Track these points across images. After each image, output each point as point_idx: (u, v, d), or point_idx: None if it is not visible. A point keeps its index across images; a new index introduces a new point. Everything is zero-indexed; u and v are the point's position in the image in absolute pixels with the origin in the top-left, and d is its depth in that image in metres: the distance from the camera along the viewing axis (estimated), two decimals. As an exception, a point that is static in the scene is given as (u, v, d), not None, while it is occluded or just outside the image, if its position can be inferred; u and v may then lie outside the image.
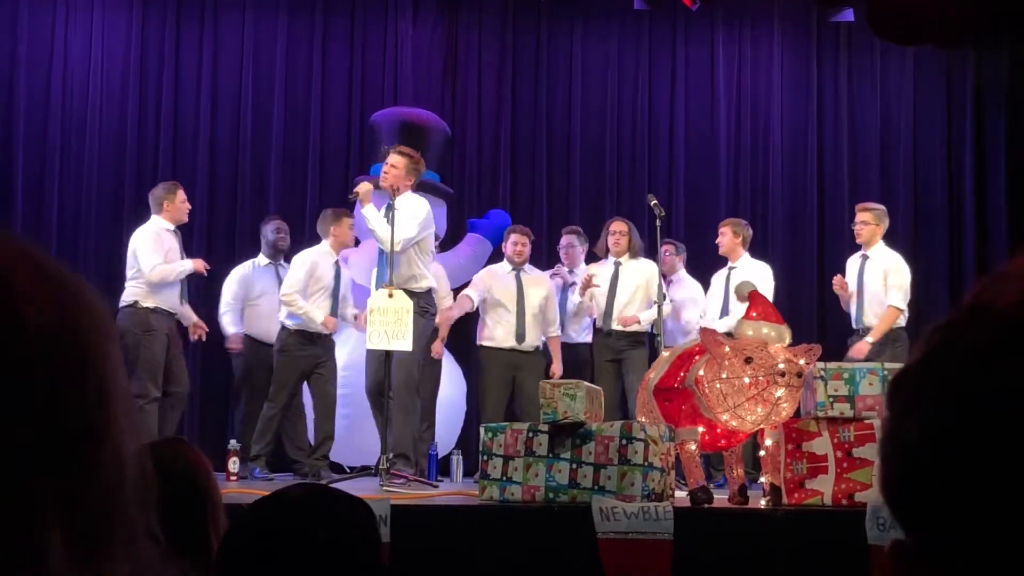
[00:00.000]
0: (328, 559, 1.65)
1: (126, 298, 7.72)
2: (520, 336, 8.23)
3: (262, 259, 8.70)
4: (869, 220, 8.22)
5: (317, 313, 7.97)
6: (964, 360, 0.73)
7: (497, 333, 8.25)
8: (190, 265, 7.86)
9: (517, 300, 8.26)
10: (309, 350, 8.08)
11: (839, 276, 8.38)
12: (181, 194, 7.99)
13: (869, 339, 7.91)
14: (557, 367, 8.32)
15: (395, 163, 7.26)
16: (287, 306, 8.02)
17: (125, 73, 10.02)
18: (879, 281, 8.08)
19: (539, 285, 8.41)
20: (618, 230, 8.55)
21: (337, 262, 8.26)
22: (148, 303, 7.66)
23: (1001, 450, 0.69)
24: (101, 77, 9.96)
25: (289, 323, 8.05)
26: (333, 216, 8.31)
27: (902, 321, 8.03)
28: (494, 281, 8.35)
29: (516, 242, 8.45)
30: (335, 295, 8.17)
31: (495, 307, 8.30)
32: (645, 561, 4.84)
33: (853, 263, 8.35)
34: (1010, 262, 0.78)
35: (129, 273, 7.78)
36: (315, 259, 8.13)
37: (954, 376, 0.73)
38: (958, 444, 0.71)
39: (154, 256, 7.67)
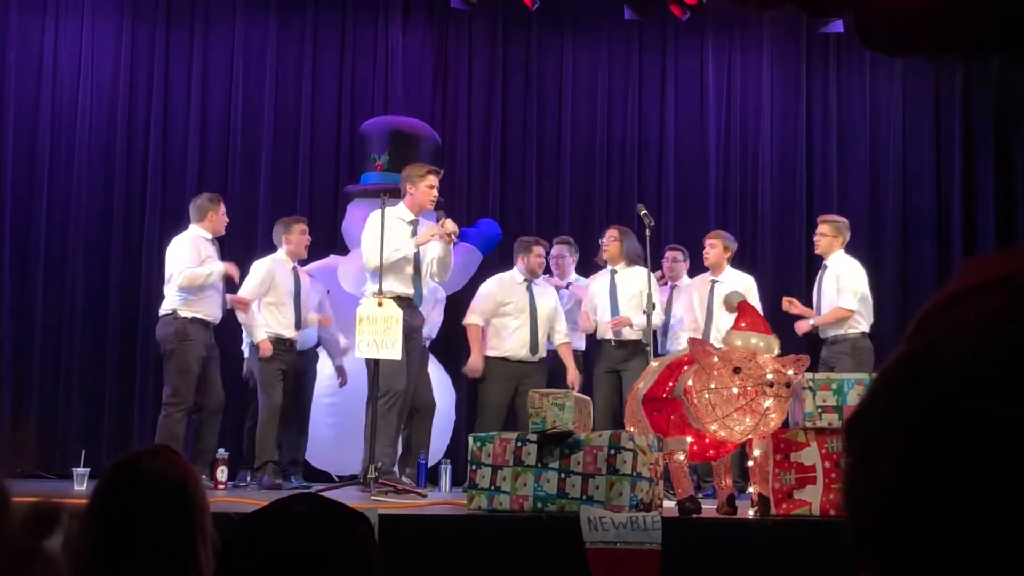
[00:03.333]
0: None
1: (165, 307, 7.81)
2: (534, 347, 8.21)
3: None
4: (827, 232, 8.42)
5: (259, 332, 8.01)
6: (921, 415, 0.71)
7: (507, 343, 8.19)
8: (220, 267, 7.85)
9: (530, 310, 8.24)
10: (286, 356, 8.11)
11: (787, 298, 8.59)
12: (223, 207, 8.08)
13: (811, 321, 8.29)
14: (574, 374, 8.32)
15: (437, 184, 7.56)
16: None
17: (115, 80, 10.00)
18: (833, 287, 8.27)
19: (548, 296, 8.41)
20: (608, 235, 8.56)
21: (295, 269, 8.28)
22: (186, 313, 7.72)
23: (982, 484, 0.68)
24: (90, 84, 9.94)
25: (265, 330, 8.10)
26: (285, 225, 8.38)
27: (864, 326, 8.17)
28: (504, 292, 8.27)
29: (540, 254, 8.43)
30: (296, 302, 8.19)
31: (505, 317, 8.23)
32: (633, 571, 4.84)
33: (819, 276, 8.56)
34: (947, 288, 0.77)
35: (167, 282, 7.84)
36: (271, 267, 8.18)
37: (911, 432, 0.71)
38: (942, 479, 0.70)
39: (184, 260, 7.70)
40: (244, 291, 8.08)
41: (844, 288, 8.20)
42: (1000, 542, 0.67)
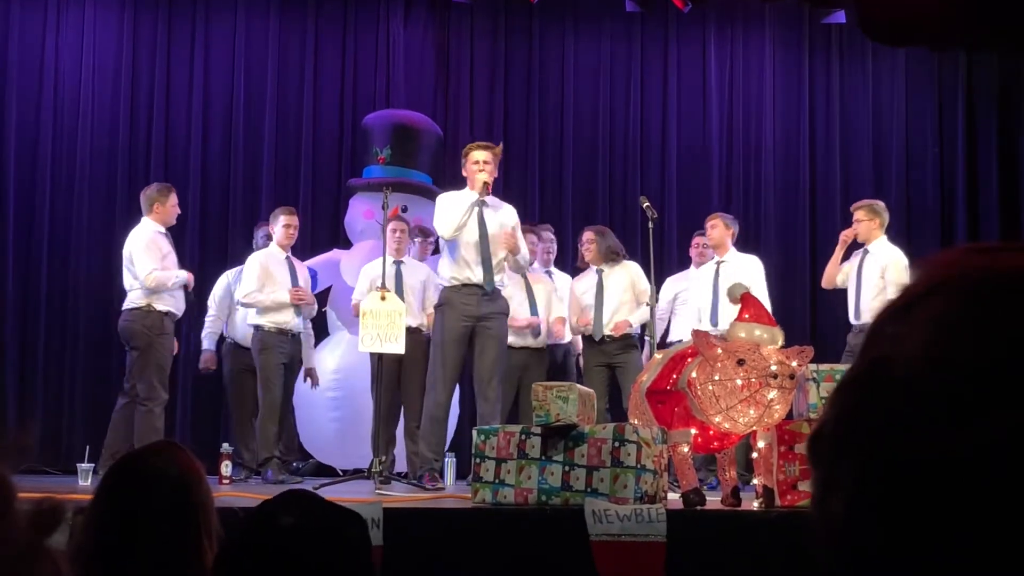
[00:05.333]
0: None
1: (136, 301, 7.72)
2: (536, 333, 8.24)
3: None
4: (862, 218, 8.31)
5: (281, 294, 8.05)
6: (873, 431, 0.71)
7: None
8: (185, 276, 7.85)
9: (529, 299, 8.25)
10: (287, 348, 8.13)
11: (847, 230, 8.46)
12: (173, 197, 7.99)
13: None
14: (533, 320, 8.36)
15: (488, 159, 7.13)
16: (250, 308, 8.11)
17: (117, 75, 10.00)
18: (876, 275, 8.10)
19: (541, 282, 8.45)
20: (585, 239, 8.56)
21: (288, 259, 8.28)
22: (160, 306, 7.70)
23: (914, 524, 0.68)
24: (92, 79, 9.94)
25: (265, 323, 8.10)
26: (273, 215, 8.42)
27: None
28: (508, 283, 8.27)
29: (534, 242, 8.47)
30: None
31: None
32: (638, 563, 4.84)
33: (855, 258, 8.39)
34: (903, 291, 0.76)
35: (129, 277, 7.78)
36: (263, 260, 8.19)
37: (866, 448, 0.71)
38: (881, 520, 0.69)
39: (150, 261, 7.67)
40: (243, 289, 8.11)
41: (892, 281, 7.98)
42: None
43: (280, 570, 1.62)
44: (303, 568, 1.62)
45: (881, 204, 8.46)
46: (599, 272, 8.42)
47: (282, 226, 8.27)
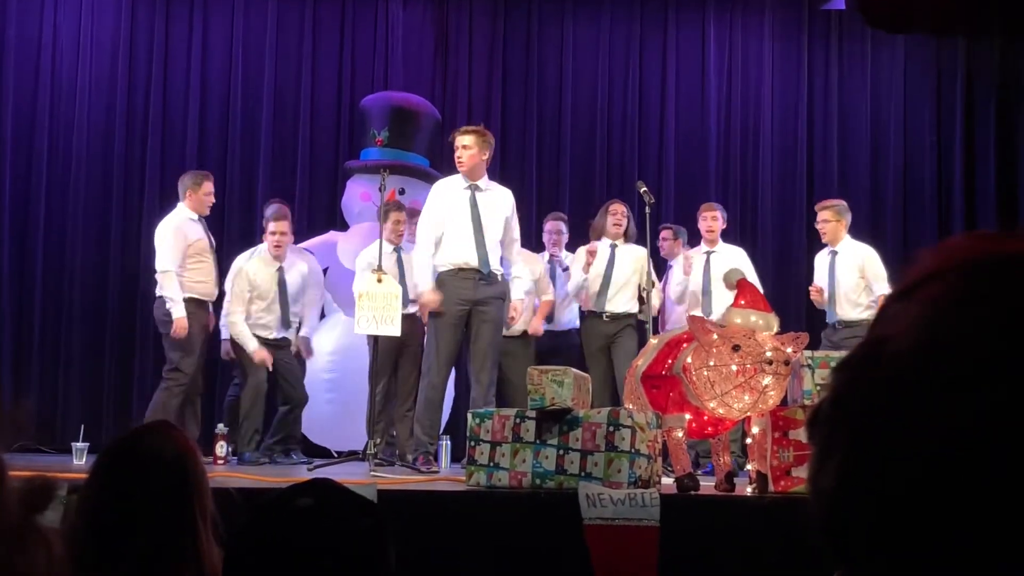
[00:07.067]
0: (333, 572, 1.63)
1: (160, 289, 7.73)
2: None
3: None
4: (830, 218, 8.30)
5: (251, 342, 7.94)
6: (863, 406, 0.71)
7: None
8: (183, 316, 7.61)
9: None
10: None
11: (815, 285, 8.44)
12: (207, 185, 7.94)
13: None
14: (538, 324, 8.33)
15: (467, 143, 7.07)
16: (229, 326, 8.06)
17: (114, 56, 9.98)
18: (853, 275, 8.15)
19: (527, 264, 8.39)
20: (619, 211, 8.53)
21: (280, 269, 8.15)
22: (184, 293, 7.66)
23: (904, 499, 0.68)
24: (90, 60, 9.91)
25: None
26: (266, 218, 8.30)
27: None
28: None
29: None
30: (283, 301, 8.12)
31: None
32: (631, 547, 4.85)
33: (822, 260, 8.43)
34: (909, 275, 0.76)
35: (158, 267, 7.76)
36: (251, 272, 8.06)
37: (855, 423, 0.71)
38: (869, 494, 0.70)
39: (171, 253, 7.63)
40: (229, 307, 8.05)
41: (877, 276, 8.06)
42: (923, 559, 0.68)
43: (292, 548, 1.63)
44: (315, 549, 1.62)
45: (844, 204, 8.47)
46: (612, 247, 8.41)
47: (269, 233, 8.12)
